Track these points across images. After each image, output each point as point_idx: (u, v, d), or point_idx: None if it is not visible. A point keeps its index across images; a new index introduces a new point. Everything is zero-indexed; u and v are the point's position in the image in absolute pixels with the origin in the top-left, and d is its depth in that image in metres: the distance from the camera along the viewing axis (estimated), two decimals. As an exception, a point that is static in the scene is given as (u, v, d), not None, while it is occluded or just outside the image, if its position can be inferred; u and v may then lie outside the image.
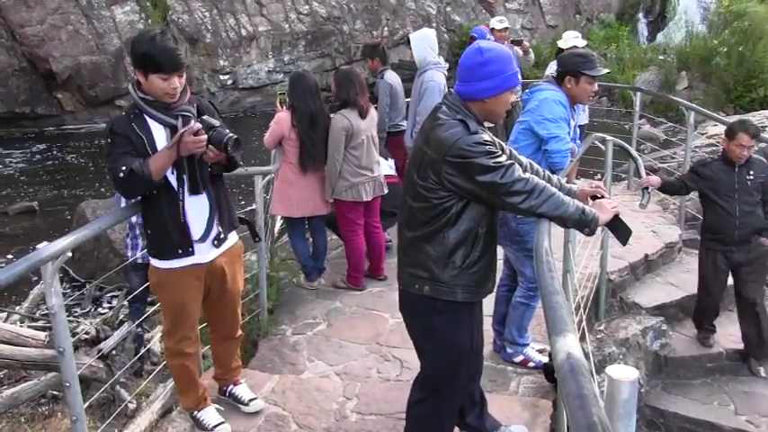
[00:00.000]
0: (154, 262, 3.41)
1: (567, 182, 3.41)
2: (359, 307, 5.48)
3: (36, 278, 7.30)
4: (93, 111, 18.20)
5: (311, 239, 5.99)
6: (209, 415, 3.75)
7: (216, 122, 3.18)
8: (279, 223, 6.47)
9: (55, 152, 16.49)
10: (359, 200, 5.50)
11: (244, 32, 19.42)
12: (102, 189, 12.99)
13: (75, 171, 14.80)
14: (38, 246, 3.06)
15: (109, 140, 3.18)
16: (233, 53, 19.00)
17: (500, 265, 3.70)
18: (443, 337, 3.03)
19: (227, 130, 3.15)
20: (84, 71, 17.71)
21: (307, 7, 20.36)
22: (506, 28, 8.54)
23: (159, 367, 4.53)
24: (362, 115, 5.42)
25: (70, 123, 18.22)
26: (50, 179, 14.28)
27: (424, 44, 6.28)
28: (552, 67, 6.39)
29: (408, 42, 6.49)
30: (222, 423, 3.72)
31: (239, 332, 3.86)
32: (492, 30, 8.39)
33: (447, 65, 6.40)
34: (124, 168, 3.06)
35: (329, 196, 5.52)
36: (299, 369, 4.58)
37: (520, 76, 2.95)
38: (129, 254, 5.68)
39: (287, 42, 19.98)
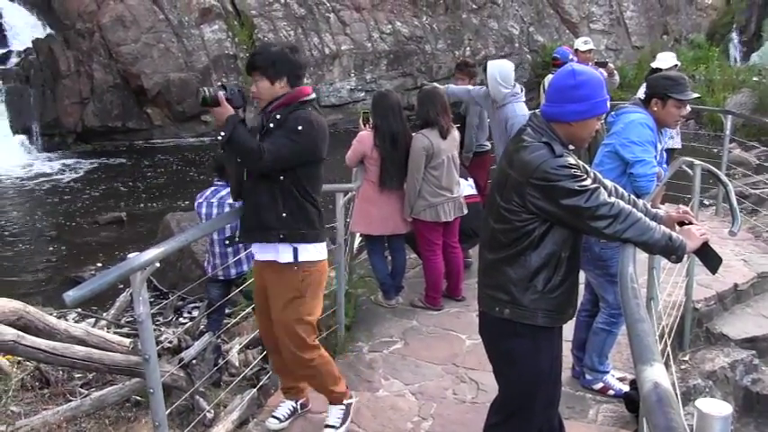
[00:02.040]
0: None
1: (653, 207, 3.32)
2: (436, 327, 5.45)
3: (122, 286, 7.55)
4: (179, 126, 18.83)
5: (390, 258, 6.00)
6: (280, 407, 3.98)
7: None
8: (358, 240, 6.51)
9: (143, 165, 17.13)
10: (438, 220, 5.49)
11: (327, 51, 19.75)
12: (187, 202, 13.37)
13: (162, 183, 15.31)
14: (128, 255, 3.15)
15: None
16: (316, 71, 19.36)
17: (581, 289, 3.62)
18: (522, 361, 2.99)
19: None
20: (172, 87, 18.36)
21: (389, 27, 20.57)
22: (591, 49, 8.40)
23: (237, 379, 4.62)
24: (443, 135, 5.41)
25: (158, 137, 18.90)
26: (138, 191, 14.82)
27: (496, 76, 5.88)
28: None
29: (484, 69, 6.13)
30: (280, 421, 3.90)
31: (299, 361, 3.71)
32: (576, 51, 8.27)
33: (523, 90, 6.15)
34: None
35: (408, 215, 5.53)
36: (374, 387, 4.58)
37: (609, 104, 2.91)
38: (209, 268, 5.84)
39: (369, 61, 20.23)
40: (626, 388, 4.27)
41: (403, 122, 5.49)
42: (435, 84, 6.32)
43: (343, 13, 20.33)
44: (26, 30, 19.29)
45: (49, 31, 19.39)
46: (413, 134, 5.47)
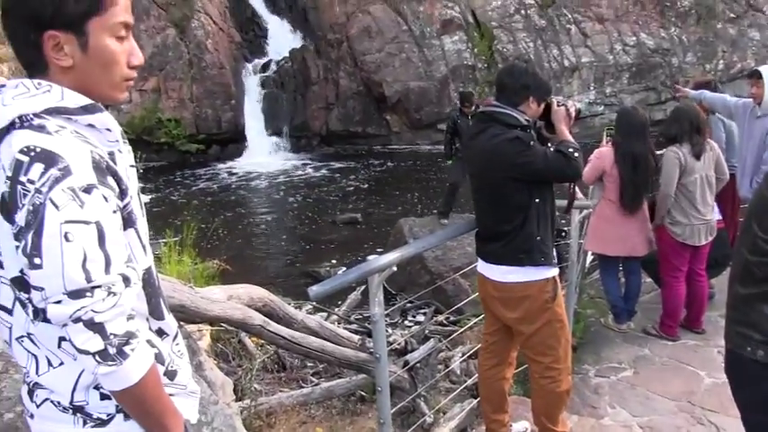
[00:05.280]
0: None
1: None
2: (670, 358, 5.09)
3: (353, 284, 7.90)
4: (416, 133, 19.46)
5: (624, 280, 5.72)
6: None
7: None
8: (590, 259, 6.29)
9: (380, 169, 17.92)
10: (687, 241, 5.12)
11: (566, 63, 19.39)
12: (420, 207, 13.74)
13: (396, 188, 15.89)
14: (367, 257, 3.29)
15: None
16: (554, 84, 19.03)
17: None
18: (779, 411, 2.69)
19: None
20: (411, 96, 19.02)
21: (633, 39, 19.72)
22: None
23: (459, 388, 4.64)
24: (696, 154, 5.04)
25: (395, 143, 19.67)
26: (374, 193, 15.52)
27: None
28: None
29: (752, 76, 5.72)
30: None
31: (544, 383, 3.57)
32: None
33: None
34: None
35: (661, 222, 5.19)
36: (599, 413, 4.38)
37: None
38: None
39: (610, 74, 19.54)
40: None
41: (647, 143, 5.19)
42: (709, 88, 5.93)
43: (584, 25, 19.83)
44: (285, 41, 21.11)
45: (303, 42, 20.99)
46: (662, 151, 5.16)
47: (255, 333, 4.43)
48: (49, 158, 1.30)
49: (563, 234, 3.97)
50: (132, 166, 1.56)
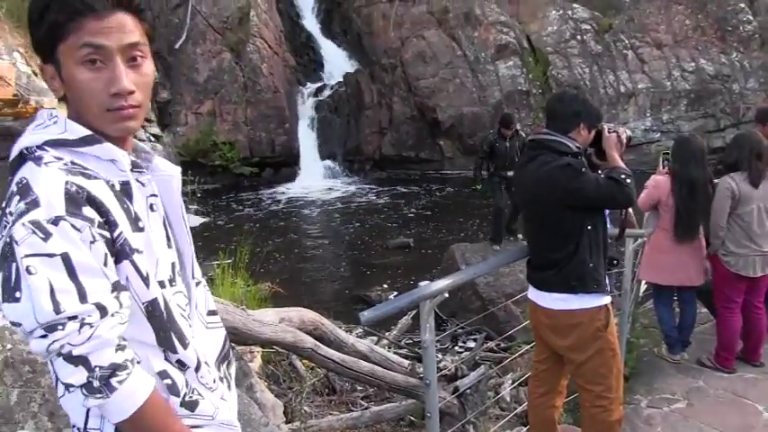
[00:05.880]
0: None
1: None
2: (726, 391, 4.96)
3: (404, 309, 7.89)
4: (469, 158, 19.35)
5: (678, 310, 5.61)
6: None
7: None
8: (643, 288, 6.19)
9: (433, 194, 17.94)
10: (741, 272, 5.00)
11: (622, 89, 19.17)
12: (473, 233, 13.67)
13: (448, 213, 15.86)
14: (420, 283, 3.30)
15: None
16: (609, 110, 18.83)
17: None
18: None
19: None
20: (465, 121, 19.04)
21: (692, 64, 19.39)
22: None
23: (509, 415, 4.61)
24: (753, 182, 4.92)
25: (448, 169, 19.65)
26: (426, 218, 15.52)
27: None
28: None
29: None
30: None
31: (595, 412, 3.49)
32: None
33: None
34: None
35: (714, 249, 5.08)
36: (652, 446, 4.31)
37: None
38: None
39: (667, 101, 19.23)
40: None
41: (704, 171, 5.10)
42: None
43: (642, 50, 19.59)
44: (339, 65, 21.43)
45: (357, 66, 21.26)
46: (719, 179, 5.06)
47: (306, 356, 4.48)
48: (24, 191, 1.31)
49: (615, 262, 3.92)
50: (154, 195, 1.51)
